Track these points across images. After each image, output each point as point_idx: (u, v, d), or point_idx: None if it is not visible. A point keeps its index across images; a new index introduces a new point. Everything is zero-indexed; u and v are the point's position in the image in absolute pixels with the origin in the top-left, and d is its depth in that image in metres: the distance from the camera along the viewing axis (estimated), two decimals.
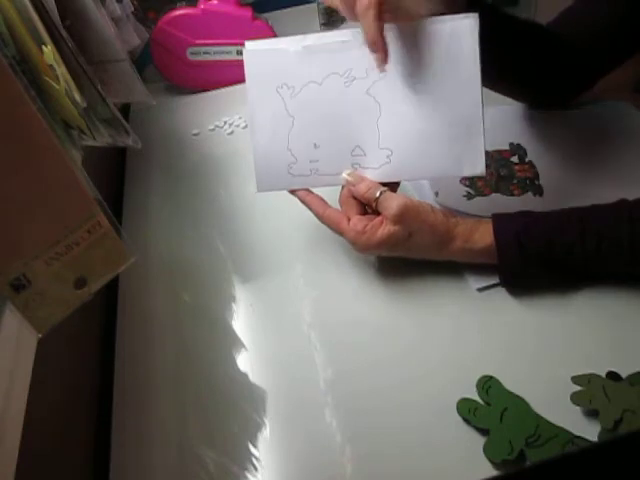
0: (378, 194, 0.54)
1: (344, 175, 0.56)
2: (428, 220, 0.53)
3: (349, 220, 0.55)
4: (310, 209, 0.57)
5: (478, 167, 0.54)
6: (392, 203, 0.53)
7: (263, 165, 0.58)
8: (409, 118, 0.54)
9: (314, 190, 0.58)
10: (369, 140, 0.56)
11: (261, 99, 0.57)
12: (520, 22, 0.66)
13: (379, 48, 0.50)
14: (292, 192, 0.59)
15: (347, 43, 0.54)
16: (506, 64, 0.65)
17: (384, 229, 0.53)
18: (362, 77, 0.55)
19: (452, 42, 0.52)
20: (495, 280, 0.55)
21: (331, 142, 0.57)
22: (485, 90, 0.52)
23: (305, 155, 0.57)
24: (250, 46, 0.57)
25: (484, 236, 0.53)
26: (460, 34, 0.52)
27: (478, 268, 0.55)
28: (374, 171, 0.56)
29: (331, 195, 0.58)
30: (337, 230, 0.56)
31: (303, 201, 0.58)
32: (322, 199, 0.57)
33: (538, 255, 0.51)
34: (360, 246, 0.55)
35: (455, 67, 0.53)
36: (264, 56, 0.57)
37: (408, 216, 0.53)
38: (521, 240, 0.51)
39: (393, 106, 0.55)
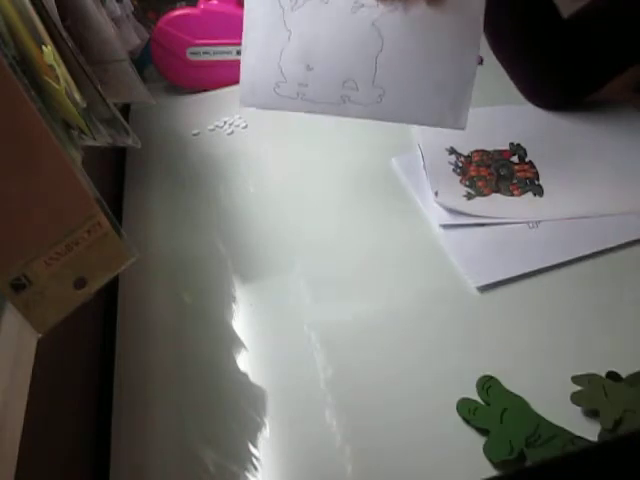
0: None
1: None
2: None
3: None
4: None
5: (460, 121, 0.54)
6: None
7: (250, 78, 0.56)
8: (408, 60, 0.53)
9: None
10: (364, 74, 0.54)
11: (259, 4, 0.54)
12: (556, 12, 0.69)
13: None
14: None
15: None
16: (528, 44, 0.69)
17: None
18: (371, 5, 0.52)
19: None
20: (495, 278, 0.55)
21: (325, 68, 0.54)
22: (486, 90, 0.52)
23: (295, 76, 0.55)
24: None
25: None
26: None
27: (478, 266, 0.55)
28: (362, 108, 0.54)
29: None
30: None
31: None
32: None
33: None
34: None
35: (460, 19, 0.52)
36: None
37: None
38: None
39: (396, 44, 0.53)
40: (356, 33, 0.53)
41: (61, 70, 0.46)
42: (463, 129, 0.54)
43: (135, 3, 0.86)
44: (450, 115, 0.54)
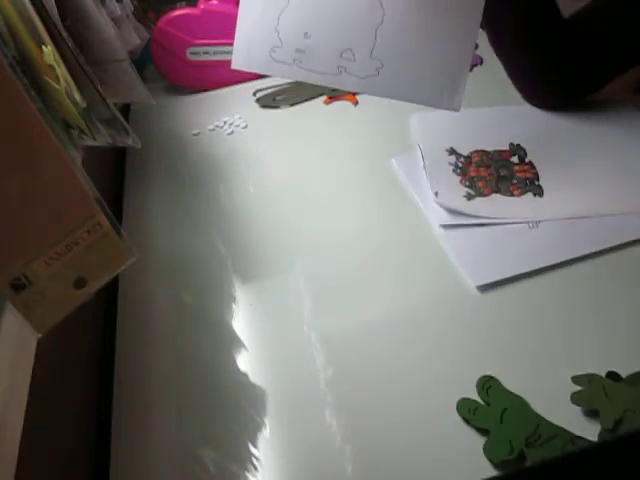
0: None
1: None
2: None
3: None
4: None
5: (455, 102, 0.55)
6: None
7: (245, 40, 0.55)
8: (408, 37, 0.53)
9: None
10: (363, 46, 0.54)
11: None
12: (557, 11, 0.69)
13: None
14: None
15: None
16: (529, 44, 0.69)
17: None
18: None
19: None
20: (495, 278, 0.55)
21: (323, 36, 0.54)
22: (485, 90, 0.52)
23: (292, 42, 0.54)
24: None
25: None
26: None
27: (478, 266, 0.55)
28: (358, 80, 0.54)
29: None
30: None
31: None
32: None
33: None
34: None
35: (461, 1, 0.52)
36: None
37: None
38: None
39: (397, 18, 0.53)
40: (358, 3, 0.53)
41: (61, 70, 0.46)
42: (457, 110, 0.55)
43: (135, 3, 0.86)
44: (445, 95, 0.54)
